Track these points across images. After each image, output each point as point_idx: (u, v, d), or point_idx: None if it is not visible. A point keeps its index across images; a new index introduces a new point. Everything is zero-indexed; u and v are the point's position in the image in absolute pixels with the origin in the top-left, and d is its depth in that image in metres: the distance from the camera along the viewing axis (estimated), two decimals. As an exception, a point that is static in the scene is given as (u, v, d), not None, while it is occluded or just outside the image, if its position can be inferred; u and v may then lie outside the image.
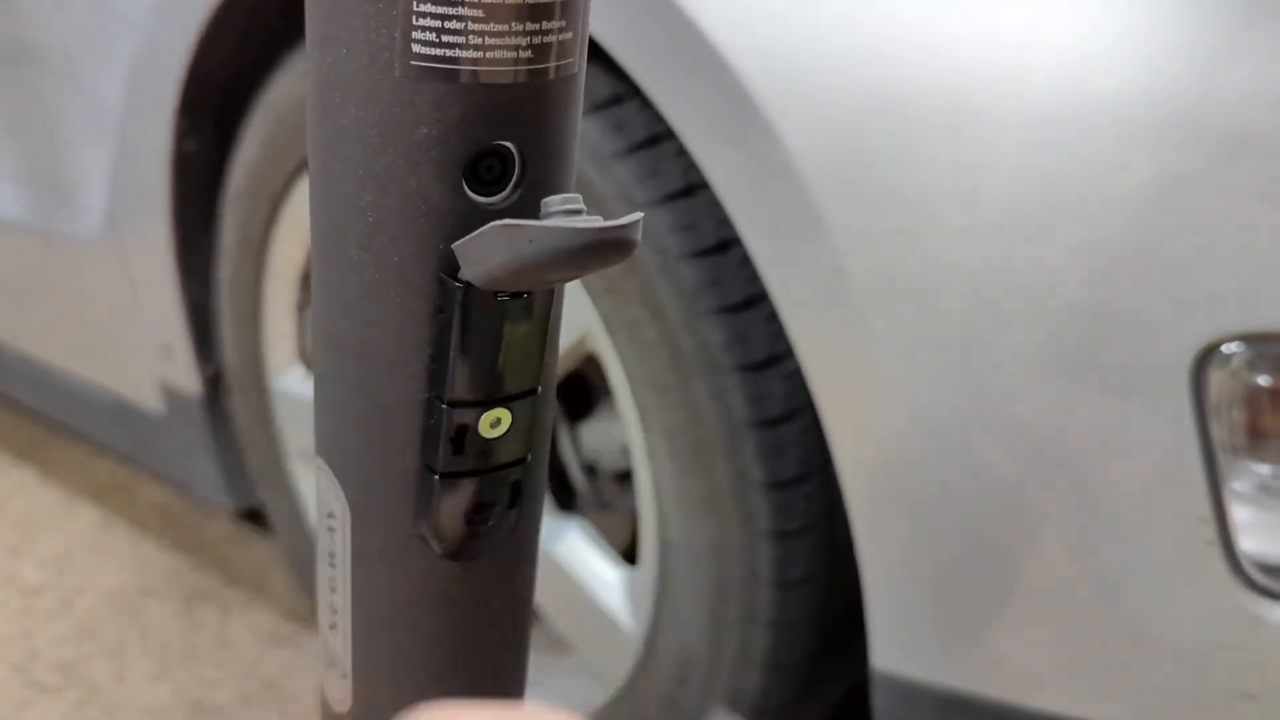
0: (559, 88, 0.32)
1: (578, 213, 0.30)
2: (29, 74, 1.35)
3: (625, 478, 1.03)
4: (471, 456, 0.34)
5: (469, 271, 0.31)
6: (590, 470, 1.04)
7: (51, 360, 1.60)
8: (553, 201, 0.30)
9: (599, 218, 0.30)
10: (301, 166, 1.11)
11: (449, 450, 0.33)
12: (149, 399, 1.44)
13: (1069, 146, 0.68)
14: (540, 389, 0.34)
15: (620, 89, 0.85)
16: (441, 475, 0.34)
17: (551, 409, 0.36)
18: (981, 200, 0.71)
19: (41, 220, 1.43)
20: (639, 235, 0.29)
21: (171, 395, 1.39)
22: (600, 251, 0.29)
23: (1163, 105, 0.67)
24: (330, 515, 0.35)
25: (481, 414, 0.33)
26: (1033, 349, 0.72)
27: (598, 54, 0.85)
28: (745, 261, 0.83)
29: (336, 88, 0.33)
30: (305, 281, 1.21)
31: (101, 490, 1.75)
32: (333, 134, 0.32)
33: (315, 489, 0.37)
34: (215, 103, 1.20)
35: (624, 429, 0.93)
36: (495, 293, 0.32)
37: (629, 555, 1.01)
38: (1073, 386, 0.71)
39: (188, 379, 1.35)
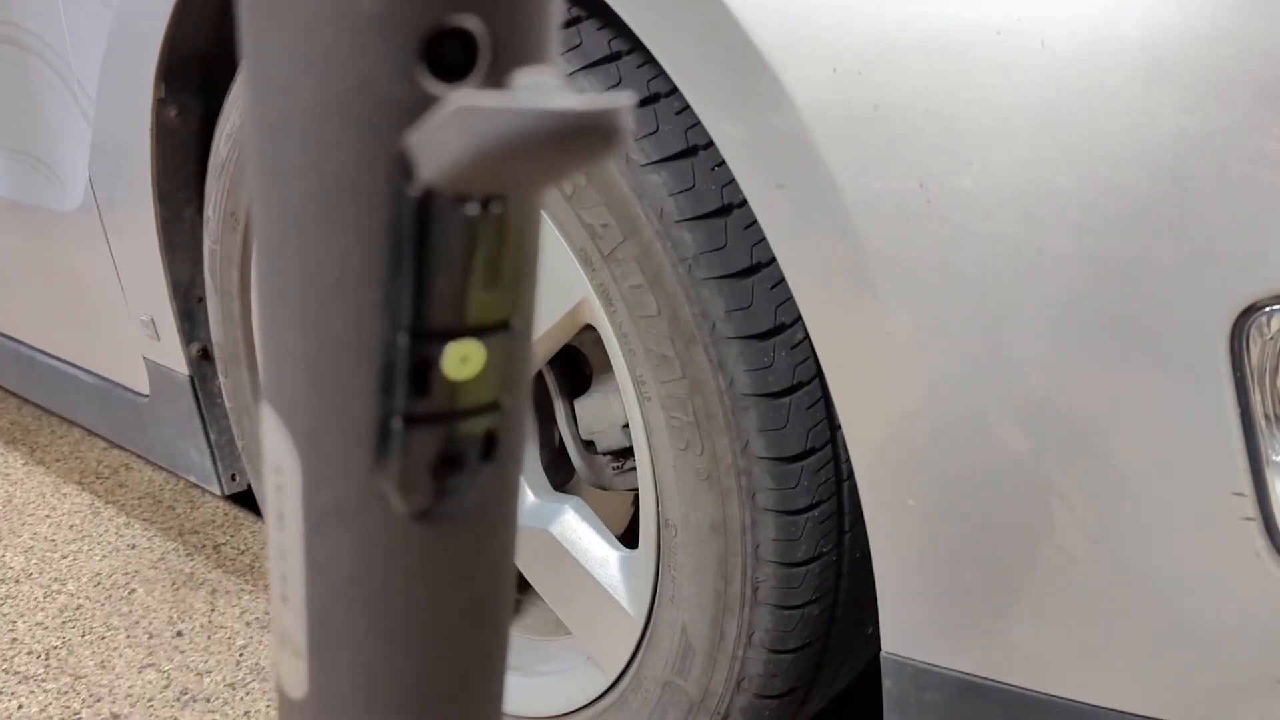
0: None
1: (555, 91, 0.25)
2: (8, 53, 1.31)
3: (624, 455, 0.99)
4: (437, 398, 0.29)
5: (427, 170, 0.26)
6: (588, 447, 1.00)
7: (36, 342, 1.56)
8: (524, 78, 0.26)
9: (579, 95, 0.25)
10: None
11: (410, 390, 0.29)
12: (135, 381, 1.40)
13: (1093, 94, 0.64)
14: (516, 323, 0.30)
15: (619, 44, 0.81)
16: (403, 420, 0.29)
17: (529, 351, 0.31)
18: (1000, 156, 0.66)
19: (24, 197, 1.39)
20: (628, 122, 0.24)
21: (158, 376, 1.35)
22: (581, 136, 0.24)
23: (1195, 50, 0.62)
24: (278, 470, 0.31)
25: (447, 348, 0.29)
26: (1054, 315, 0.68)
27: (594, 6, 0.81)
28: (749, 226, 0.78)
29: None
30: (292, 255, 1.17)
31: (89, 476, 1.71)
32: (263, 15, 0.27)
33: (263, 442, 0.32)
34: (196, 71, 1.15)
35: (622, 404, 0.89)
36: (460, 199, 0.27)
37: (628, 538, 0.97)
38: (1096, 355, 0.67)
39: (174, 359, 1.31)
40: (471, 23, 0.27)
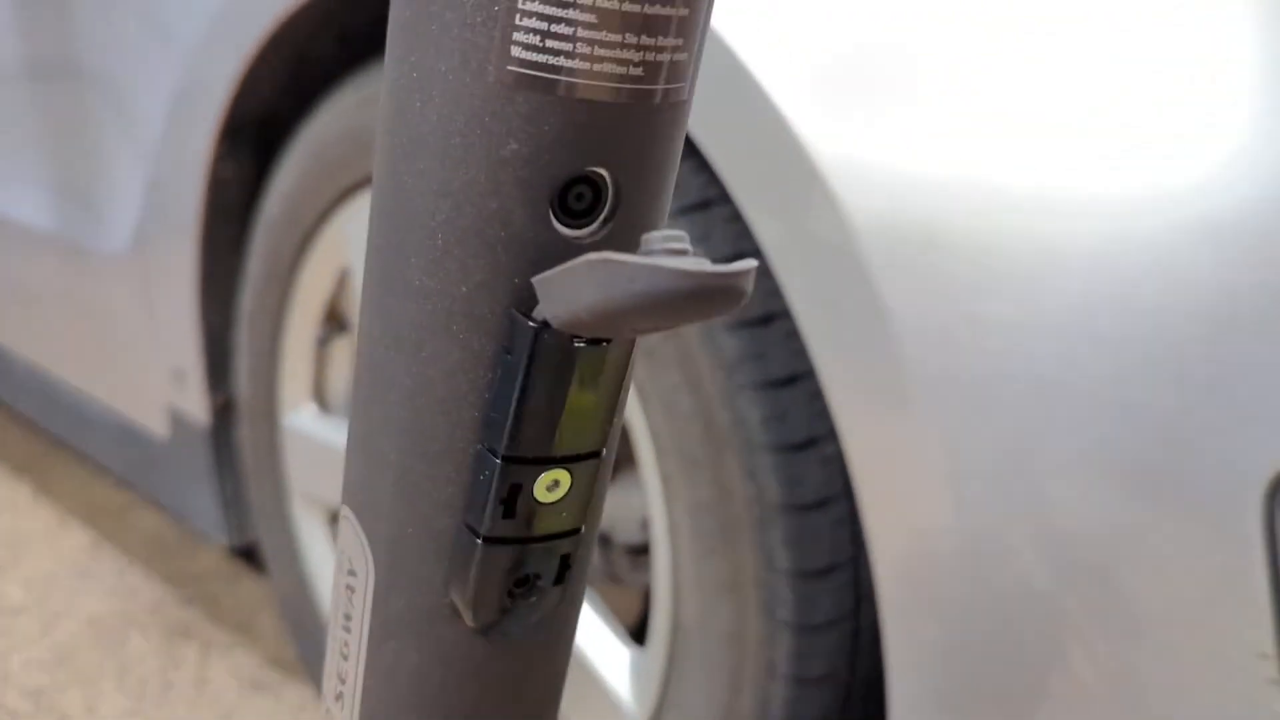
0: (665, 113, 0.28)
1: (683, 253, 0.26)
2: (73, 89, 1.34)
3: (641, 552, 0.99)
4: (521, 521, 0.30)
5: (549, 309, 0.27)
6: (604, 541, 0.99)
7: (60, 374, 1.57)
8: (654, 238, 0.26)
9: (706, 260, 0.26)
10: (338, 200, 1.08)
11: (497, 511, 0.29)
12: (155, 423, 1.41)
13: (1141, 244, 0.65)
14: (604, 453, 0.30)
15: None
16: (485, 539, 0.29)
17: (609, 477, 0.32)
18: (1048, 296, 0.67)
19: (68, 232, 1.41)
20: (751, 285, 0.25)
21: (178, 422, 1.36)
22: (708, 299, 0.25)
23: (1244, 210, 0.63)
24: (351, 573, 0.31)
25: (539, 474, 0.29)
26: (1088, 458, 0.68)
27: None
28: (789, 336, 0.79)
29: (418, 90, 0.28)
30: (329, 317, 1.18)
31: (95, 513, 1.70)
32: (407, 142, 0.28)
33: (338, 542, 0.33)
34: (256, 129, 1.18)
35: (645, 501, 0.89)
36: (572, 337, 0.28)
37: (638, 635, 0.96)
38: (1126, 499, 0.67)
39: (196, 406, 1.32)
40: (600, 173, 0.28)
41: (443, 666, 0.31)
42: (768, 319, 0.79)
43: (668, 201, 0.29)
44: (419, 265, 0.28)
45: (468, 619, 0.30)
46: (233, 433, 1.32)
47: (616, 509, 0.98)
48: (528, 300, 0.28)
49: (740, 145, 0.77)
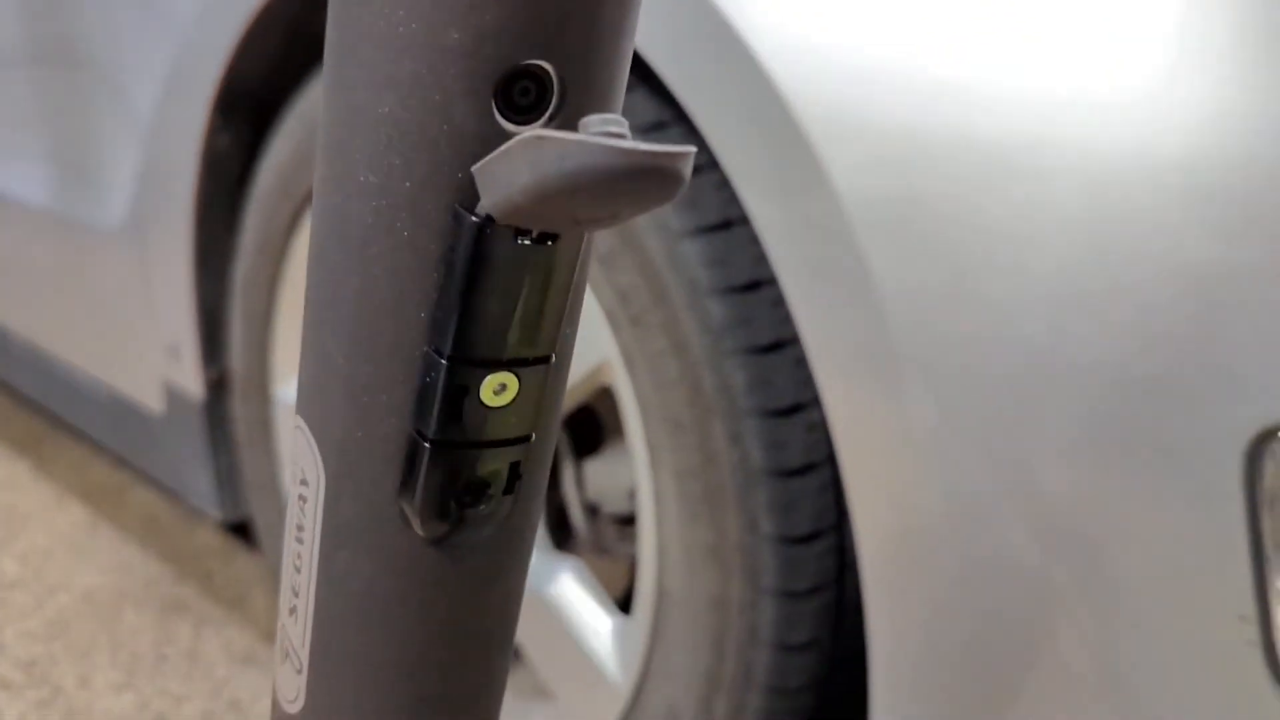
0: (611, 5, 0.28)
1: (621, 136, 0.26)
2: (67, 64, 1.34)
3: (628, 523, 0.99)
4: (468, 425, 0.30)
5: (488, 198, 0.27)
6: (591, 510, 1.00)
7: (56, 351, 1.57)
8: (593, 120, 0.26)
9: (645, 142, 0.25)
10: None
11: (443, 414, 0.29)
12: (150, 399, 1.41)
13: (1130, 210, 0.65)
14: (554, 359, 0.30)
15: (665, 114, 0.83)
16: (432, 443, 0.29)
17: (564, 388, 0.31)
18: (1033, 263, 0.67)
19: (64, 209, 1.41)
20: (689, 170, 0.25)
21: (173, 396, 1.36)
22: (644, 179, 0.25)
23: (1233, 177, 0.63)
24: (303, 482, 0.31)
25: (485, 376, 0.29)
26: (1072, 424, 0.68)
27: (643, 76, 0.83)
28: (776, 303, 0.79)
29: None
30: (321, 291, 1.18)
31: (92, 491, 1.71)
32: (353, 34, 0.28)
33: (290, 453, 0.33)
34: (250, 102, 1.18)
35: (632, 469, 0.89)
36: (518, 233, 0.28)
37: (624, 604, 0.96)
38: (1111, 467, 0.67)
39: (191, 381, 1.32)
40: (544, 66, 0.28)
41: (394, 576, 0.31)
42: (754, 285, 0.79)
43: (618, 100, 0.29)
44: (363, 161, 0.28)
45: (417, 527, 0.30)
46: (227, 407, 1.32)
47: (604, 479, 0.98)
48: (472, 197, 0.28)
49: (727, 110, 0.76)
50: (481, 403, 0.29)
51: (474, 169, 0.28)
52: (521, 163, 0.26)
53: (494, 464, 0.30)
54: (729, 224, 0.80)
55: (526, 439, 0.31)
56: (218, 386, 1.31)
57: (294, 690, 0.33)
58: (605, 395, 0.94)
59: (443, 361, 0.29)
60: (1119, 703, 0.69)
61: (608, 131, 0.26)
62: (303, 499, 0.32)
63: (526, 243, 0.28)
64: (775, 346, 0.79)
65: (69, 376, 1.56)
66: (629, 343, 0.83)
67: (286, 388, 1.20)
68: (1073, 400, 0.67)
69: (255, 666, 1.33)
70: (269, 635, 1.39)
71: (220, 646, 1.36)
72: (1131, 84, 0.66)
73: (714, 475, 0.80)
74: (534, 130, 0.26)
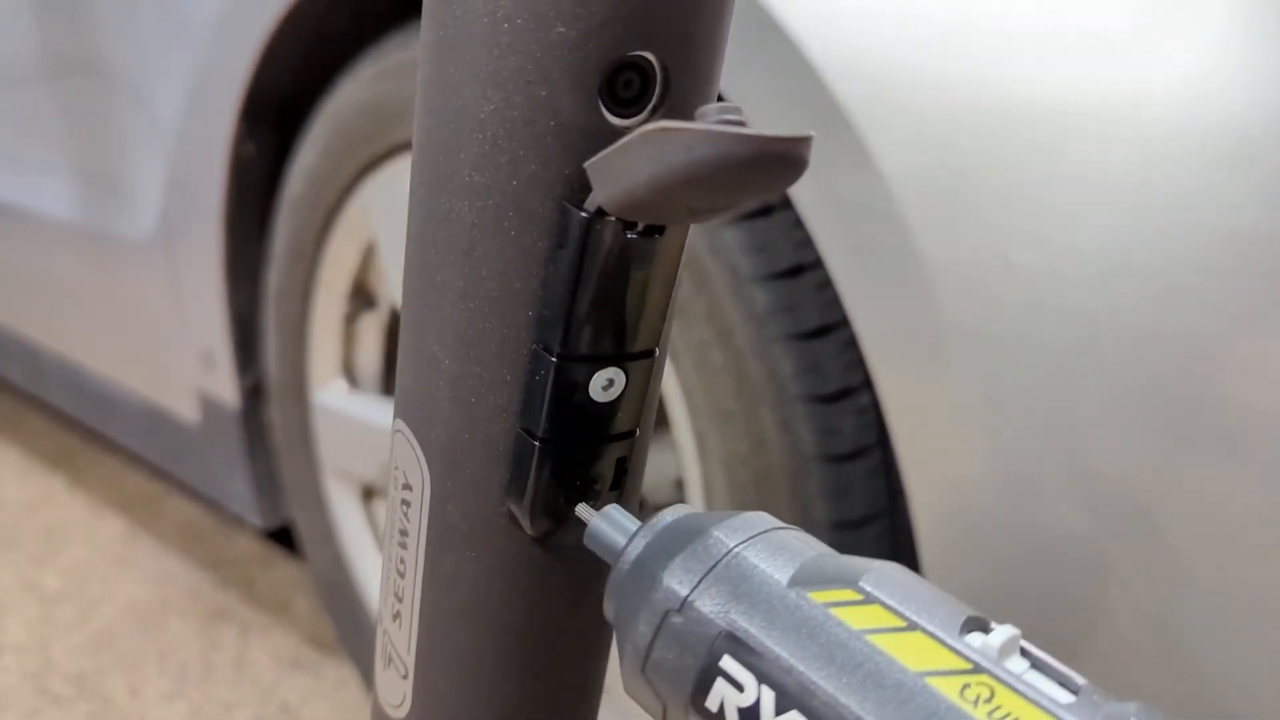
0: None
1: (740, 124, 0.26)
2: (92, 76, 1.34)
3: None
4: (577, 422, 0.29)
5: (602, 192, 0.27)
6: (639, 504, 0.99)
7: (89, 364, 1.58)
8: (710, 110, 0.26)
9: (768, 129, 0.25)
10: (361, 175, 1.08)
11: (553, 412, 0.29)
12: (186, 408, 1.41)
13: (1182, 175, 0.64)
14: (657, 353, 0.30)
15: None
16: (541, 441, 0.29)
17: (661, 382, 0.31)
18: (1083, 231, 0.66)
19: (93, 221, 1.42)
20: (809, 155, 0.25)
21: (209, 405, 1.36)
22: (768, 166, 0.25)
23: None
24: (406, 487, 0.31)
25: (594, 372, 0.29)
26: (1129, 399, 0.67)
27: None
28: (821, 287, 0.79)
29: None
30: (355, 293, 1.18)
31: (130, 502, 1.72)
32: (453, 34, 0.27)
33: (391, 458, 0.32)
34: (276, 108, 1.18)
35: (678, 460, 0.88)
36: (626, 227, 0.28)
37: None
38: (1166, 438, 0.67)
39: (227, 389, 1.32)
40: (648, 57, 0.27)
41: (501, 577, 0.31)
42: (798, 270, 0.79)
43: (716, 88, 0.29)
44: (468, 161, 0.28)
45: (525, 526, 0.30)
46: (263, 414, 1.32)
47: (650, 471, 0.98)
48: (579, 192, 0.28)
49: (764, 91, 0.76)
50: (590, 399, 0.29)
51: (588, 164, 0.27)
52: (644, 155, 0.25)
53: (602, 460, 0.30)
54: (769, 210, 0.80)
55: (632, 434, 0.31)
56: (253, 394, 1.31)
57: (399, 695, 0.33)
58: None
59: (552, 359, 0.29)
60: (1180, 673, 0.69)
61: (727, 120, 0.26)
62: (406, 503, 0.32)
63: (634, 236, 0.28)
64: (822, 331, 0.78)
65: (102, 389, 1.57)
66: (673, 334, 0.83)
67: (324, 392, 1.20)
68: (1125, 368, 0.67)
69: (303, 670, 1.34)
70: (314, 639, 1.39)
71: (266, 652, 1.37)
72: (1180, 53, 0.65)
73: (764, 462, 0.80)
74: (656, 123, 0.26)
